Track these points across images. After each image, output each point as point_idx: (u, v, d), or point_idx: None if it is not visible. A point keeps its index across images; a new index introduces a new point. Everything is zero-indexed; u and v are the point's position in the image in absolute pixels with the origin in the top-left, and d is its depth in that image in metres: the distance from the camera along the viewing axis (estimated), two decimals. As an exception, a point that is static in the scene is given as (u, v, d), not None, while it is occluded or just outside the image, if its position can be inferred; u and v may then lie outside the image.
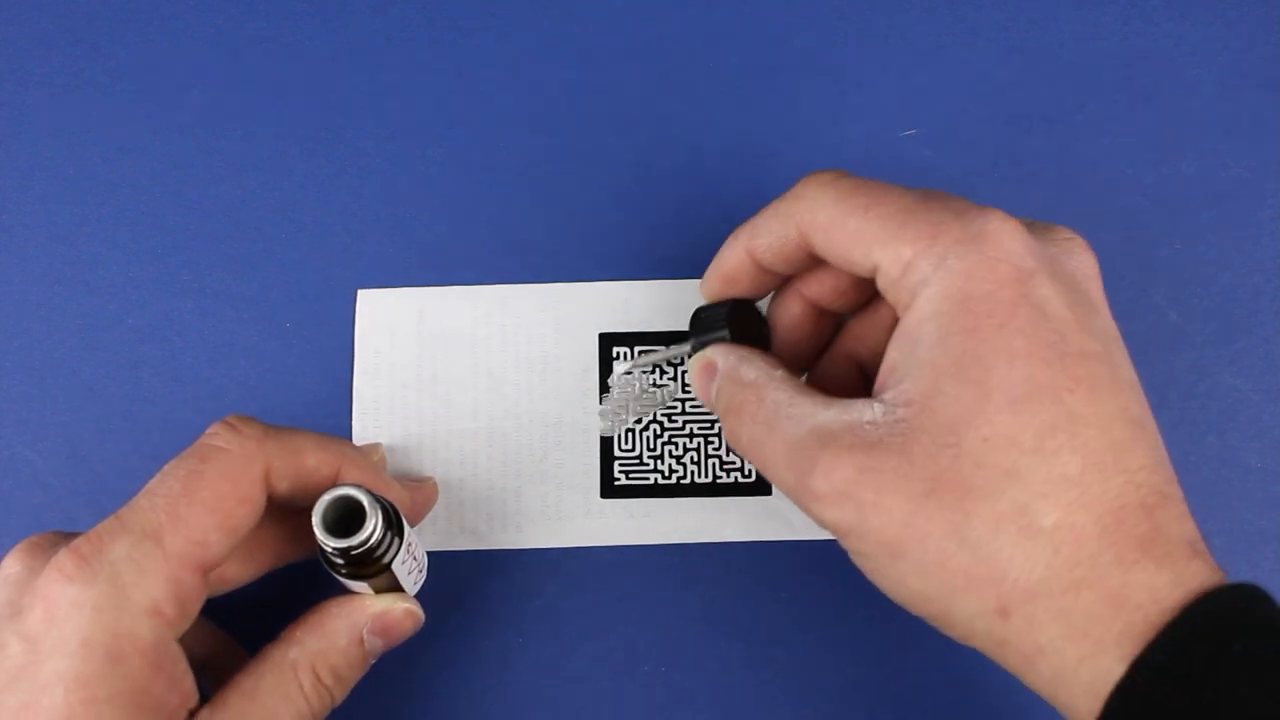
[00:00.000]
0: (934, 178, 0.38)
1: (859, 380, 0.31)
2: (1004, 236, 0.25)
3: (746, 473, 0.35)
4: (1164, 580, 0.22)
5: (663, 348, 0.36)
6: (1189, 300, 0.37)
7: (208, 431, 0.29)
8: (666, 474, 0.35)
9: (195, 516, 0.27)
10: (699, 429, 0.36)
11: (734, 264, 0.30)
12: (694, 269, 0.37)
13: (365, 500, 0.28)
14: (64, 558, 0.26)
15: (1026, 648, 0.23)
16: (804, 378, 0.32)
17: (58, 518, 0.35)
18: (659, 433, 0.36)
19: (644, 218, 0.38)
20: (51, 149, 0.38)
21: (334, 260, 0.37)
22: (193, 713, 0.27)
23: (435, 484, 0.35)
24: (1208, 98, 0.38)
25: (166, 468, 0.28)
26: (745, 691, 0.34)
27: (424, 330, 0.36)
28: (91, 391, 0.36)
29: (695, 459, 0.36)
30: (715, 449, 0.36)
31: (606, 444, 0.36)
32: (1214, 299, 0.37)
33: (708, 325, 0.31)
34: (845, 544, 0.26)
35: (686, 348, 0.32)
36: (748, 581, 0.35)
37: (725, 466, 0.35)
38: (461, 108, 0.39)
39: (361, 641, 0.30)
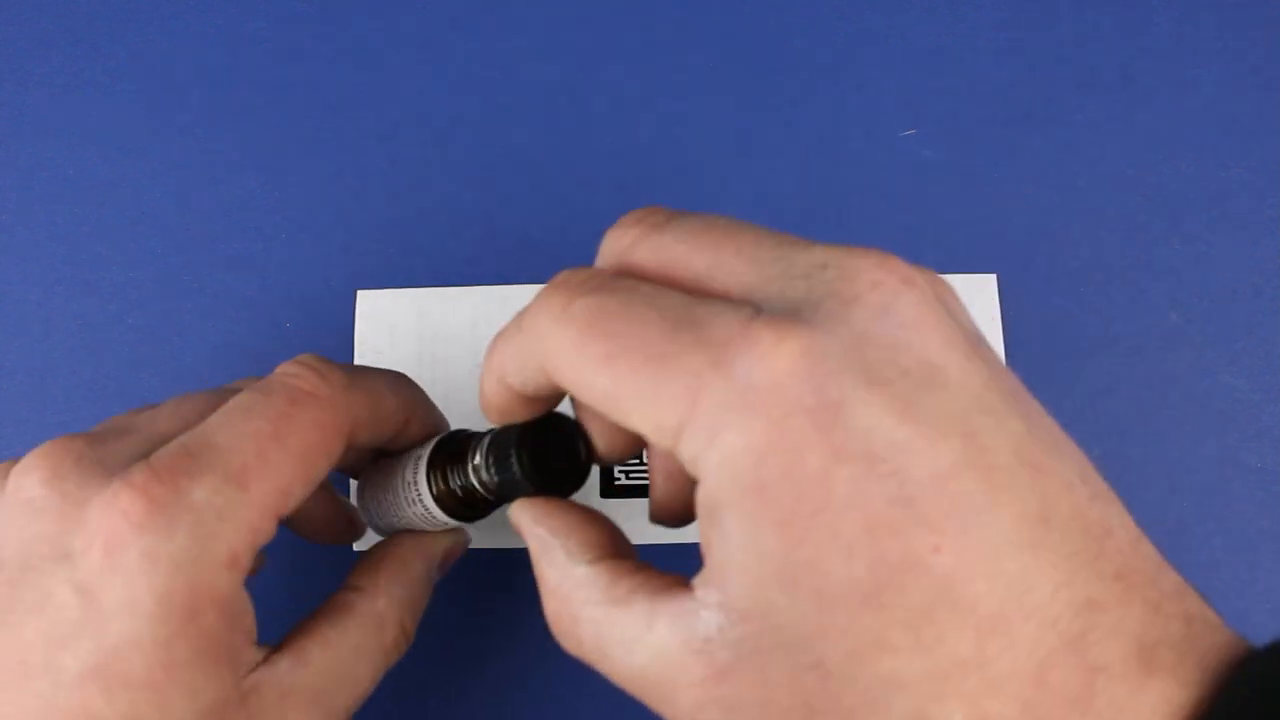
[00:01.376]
0: (934, 178, 0.38)
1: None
2: (780, 375, 0.18)
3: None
4: None
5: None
6: (1189, 300, 0.37)
7: (286, 371, 0.25)
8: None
9: (285, 464, 0.24)
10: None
11: (501, 400, 0.24)
12: (694, 269, 0.37)
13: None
14: (127, 496, 0.22)
15: None
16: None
17: (58, 518, 0.35)
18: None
19: (644, 218, 0.38)
20: (51, 149, 0.38)
21: (334, 260, 0.37)
22: (267, 659, 0.25)
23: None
24: (1208, 98, 0.38)
25: (242, 403, 0.24)
26: (745, 691, 0.34)
27: (424, 331, 0.36)
28: (91, 391, 0.36)
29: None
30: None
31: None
32: (1214, 299, 0.37)
33: (499, 458, 0.25)
34: None
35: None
36: (747, 581, 0.35)
37: (725, 466, 0.35)
38: (461, 107, 0.39)
39: (432, 580, 0.28)
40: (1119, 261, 0.37)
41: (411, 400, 0.28)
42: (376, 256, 0.37)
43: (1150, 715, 0.18)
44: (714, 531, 0.19)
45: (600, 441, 0.24)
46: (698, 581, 0.20)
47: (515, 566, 0.35)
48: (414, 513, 0.29)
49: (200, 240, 0.37)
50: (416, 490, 0.28)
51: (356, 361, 0.36)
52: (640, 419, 0.20)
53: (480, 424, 0.35)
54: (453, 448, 0.27)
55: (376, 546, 0.29)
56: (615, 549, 0.23)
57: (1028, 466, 0.19)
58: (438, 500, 0.28)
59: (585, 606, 0.22)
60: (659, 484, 0.24)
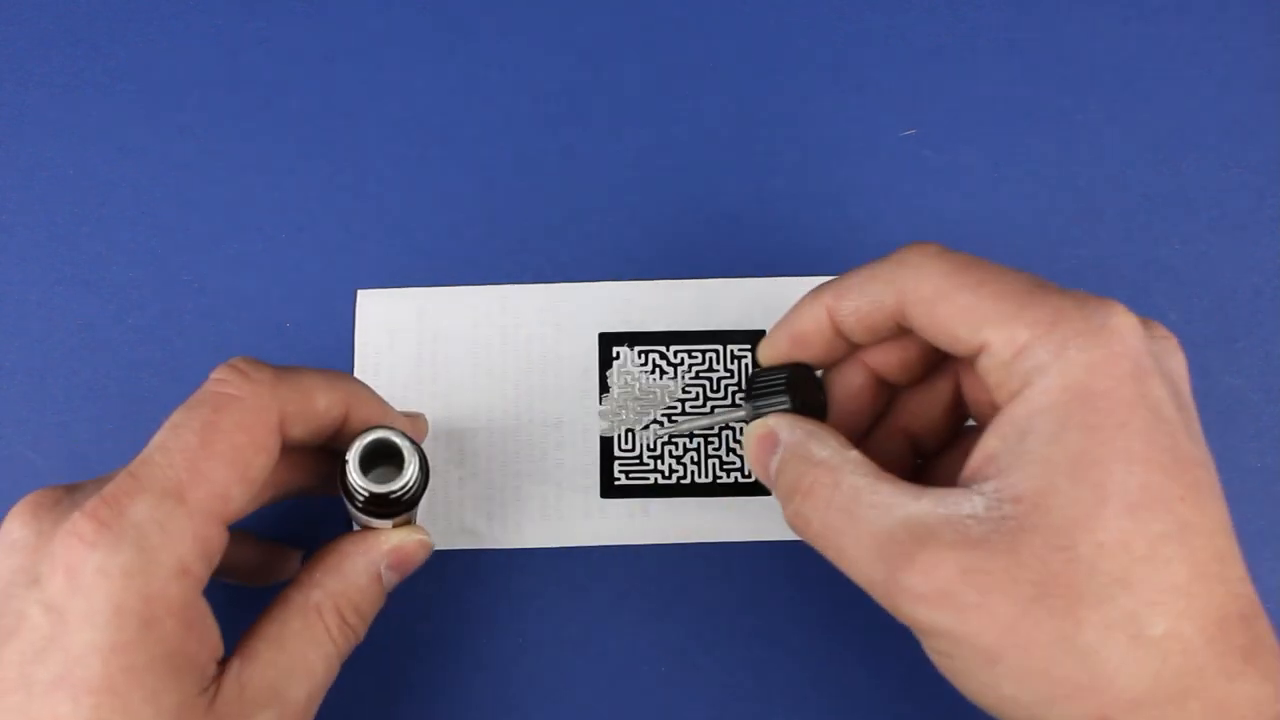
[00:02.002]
0: (934, 178, 0.38)
1: (910, 457, 0.30)
2: (1126, 331, 0.24)
3: (746, 473, 0.35)
4: (1266, 692, 0.22)
5: (712, 413, 0.35)
6: (1189, 300, 0.37)
7: (214, 377, 0.27)
8: (666, 474, 0.35)
9: (216, 470, 0.26)
10: (700, 429, 0.36)
11: (811, 325, 0.29)
12: (693, 269, 0.37)
13: (404, 446, 0.28)
14: (81, 522, 0.25)
15: None
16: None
17: (58, 518, 0.35)
18: (660, 432, 0.36)
19: (644, 218, 0.38)
20: (51, 149, 0.38)
21: (334, 260, 0.37)
22: (222, 665, 0.27)
23: (426, 419, 0.34)
24: (1208, 98, 0.39)
25: (175, 418, 0.27)
26: (745, 691, 0.34)
27: (424, 330, 0.36)
28: (91, 391, 0.36)
29: (695, 459, 0.36)
30: (715, 449, 0.36)
31: (606, 444, 0.36)
32: (1214, 299, 0.37)
33: (766, 391, 0.29)
34: (930, 643, 0.25)
35: (740, 412, 0.31)
36: (748, 581, 0.35)
37: (725, 466, 0.35)
38: (461, 108, 0.39)
39: (379, 577, 0.30)
40: (1119, 261, 0.37)
41: (349, 394, 0.29)
42: (376, 256, 0.37)
43: None
44: (1013, 430, 0.24)
45: (842, 389, 0.30)
46: (963, 481, 0.25)
47: (518, 566, 0.35)
48: (352, 511, 0.29)
49: (200, 240, 0.37)
50: (341, 488, 0.29)
51: (357, 362, 0.36)
52: (995, 329, 0.25)
53: (484, 421, 0.35)
54: (370, 447, 0.28)
55: (323, 545, 0.30)
56: None
57: (1225, 503, 0.24)
58: (348, 498, 0.29)
59: (851, 475, 0.26)
60: (921, 410, 0.30)
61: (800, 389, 0.29)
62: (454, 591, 0.34)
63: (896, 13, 0.39)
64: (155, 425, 0.36)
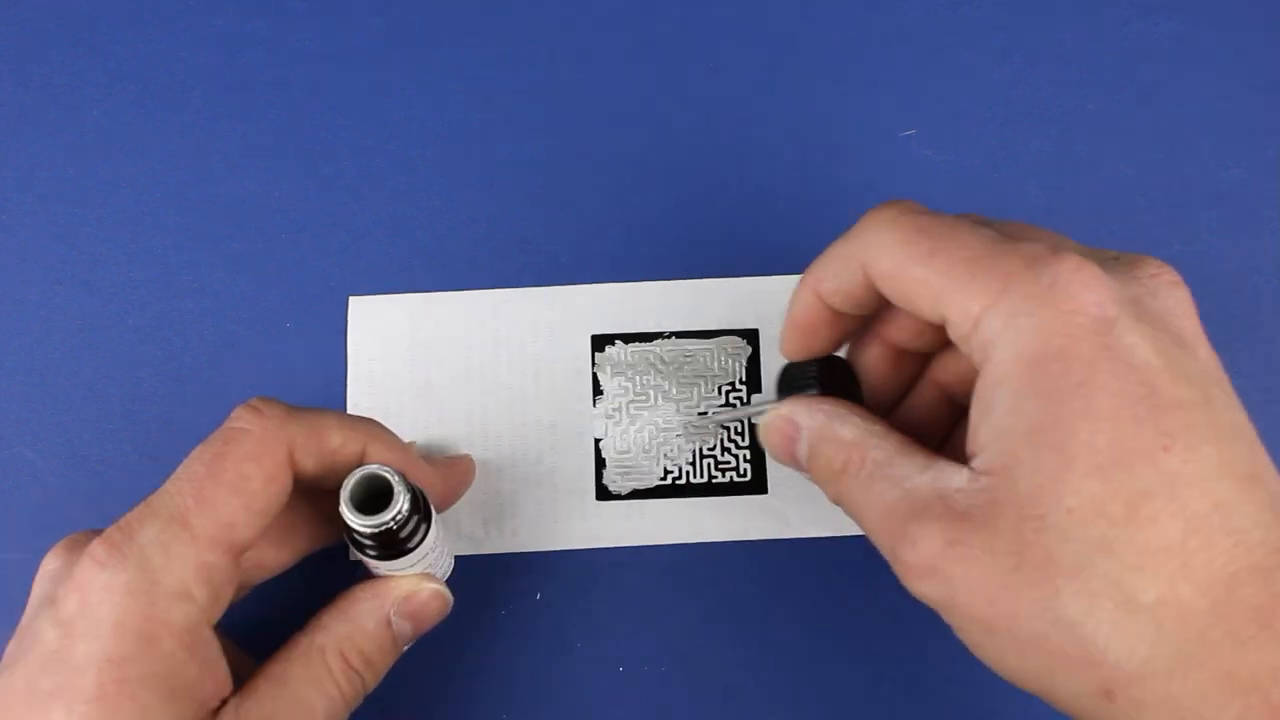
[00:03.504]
0: (934, 178, 0.38)
1: (951, 412, 0.30)
2: (1077, 285, 0.22)
3: (741, 472, 0.35)
4: None
5: (746, 404, 0.35)
6: (1189, 300, 0.37)
7: (231, 415, 0.28)
8: (661, 475, 0.35)
9: (221, 499, 0.27)
10: (694, 430, 0.36)
11: (806, 312, 0.28)
12: (686, 270, 0.37)
13: (393, 479, 0.28)
14: (96, 546, 0.26)
15: None
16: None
17: (58, 518, 0.35)
18: (654, 433, 0.36)
19: (637, 219, 0.38)
20: (51, 149, 0.38)
21: (332, 263, 0.37)
22: (224, 701, 0.27)
23: (471, 460, 0.35)
24: (1208, 98, 0.38)
25: (193, 453, 0.28)
26: (744, 691, 0.34)
27: (416, 336, 0.36)
28: (91, 391, 0.36)
29: (690, 459, 0.36)
30: (710, 449, 0.36)
31: (601, 446, 0.36)
32: (1214, 299, 0.37)
33: (795, 382, 0.29)
34: (944, 618, 0.24)
35: (774, 404, 0.31)
36: (745, 581, 0.35)
37: (720, 466, 0.35)
38: (456, 112, 0.39)
39: (389, 624, 0.30)
40: (1119, 262, 0.37)
41: (368, 435, 0.30)
42: (372, 260, 0.37)
43: None
44: (982, 404, 0.23)
45: (865, 364, 0.29)
46: (968, 453, 0.24)
47: (515, 570, 0.35)
48: (361, 558, 0.30)
49: (200, 240, 0.37)
50: (344, 533, 0.29)
51: (350, 368, 0.36)
52: (949, 304, 0.24)
53: (478, 426, 0.35)
54: (364, 484, 0.29)
55: (342, 592, 0.30)
56: None
57: (1245, 440, 0.23)
58: (350, 541, 0.29)
59: (874, 450, 0.26)
60: (941, 380, 0.29)
61: (830, 377, 0.29)
62: (453, 595, 0.34)
63: (896, 13, 0.39)
64: (155, 425, 0.36)
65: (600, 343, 0.36)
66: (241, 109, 0.39)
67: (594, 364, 0.36)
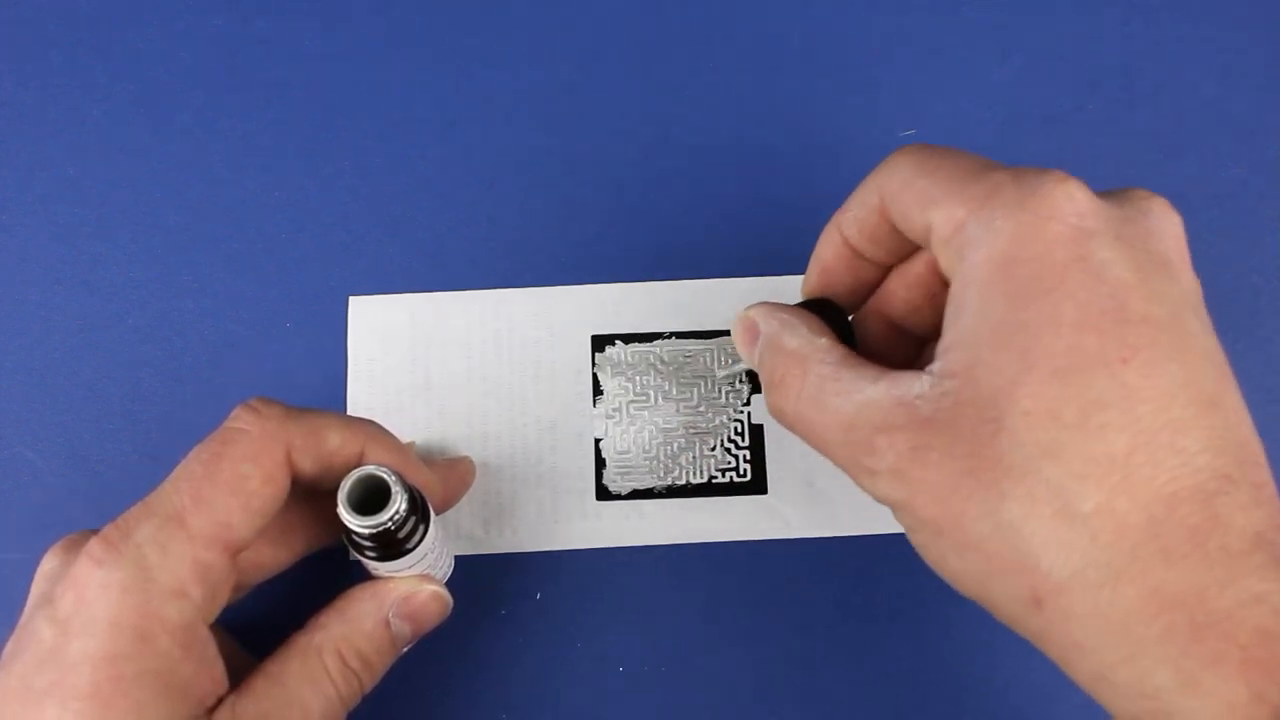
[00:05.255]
0: (934, 178, 0.38)
1: (903, 342, 0.30)
2: (1059, 195, 0.23)
3: (741, 472, 0.35)
4: (1213, 577, 0.20)
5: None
6: (1189, 300, 0.37)
7: (230, 415, 0.29)
8: (661, 475, 0.35)
9: (218, 498, 0.27)
10: (694, 430, 0.36)
11: (830, 251, 0.29)
12: (687, 270, 0.37)
13: (390, 479, 0.28)
14: (93, 544, 0.26)
15: (1064, 642, 0.22)
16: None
17: (58, 518, 0.35)
18: (654, 434, 0.36)
19: (637, 219, 0.38)
20: (51, 149, 0.38)
21: (332, 263, 0.37)
22: (220, 699, 0.27)
23: (471, 463, 0.35)
24: (1208, 98, 0.38)
25: (191, 453, 0.28)
26: (744, 691, 0.34)
27: (416, 336, 0.36)
28: (91, 391, 0.36)
29: (691, 459, 0.36)
30: (710, 449, 0.36)
31: (601, 446, 0.36)
32: (1214, 299, 0.37)
33: None
34: (897, 518, 0.25)
35: None
36: (745, 581, 0.35)
37: (720, 466, 0.35)
38: (455, 112, 0.39)
39: (387, 625, 0.30)
40: (1119, 262, 0.37)
41: (367, 437, 0.30)
42: (372, 260, 0.37)
43: (1258, 572, 0.20)
44: (953, 308, 0.24)
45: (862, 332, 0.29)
46: (927, 363, 0.24)
47: (515, 570, 0.35)
48: (360, 559, 0.30)
49: (200, 240, 0.37)
50: (343, 535, 0.29)
51: (351, 368, 0.36)
52: (937, 209, 0.24)
53: (478, 426, 0.35)
54: (361, 484, 0.29)
55: (341, 593, 0.30)
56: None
57: (1213, 365, 0.22)
58: (349, 543, 0.29)
59: (820, 365, 0.26)
60: (898, 293, 0.29)
61: (822, 311, 0.29)
62: (453, 596, 0.34)
63: (896, 13, 0.39)
64: (155, 425, 0.36)
65: (600, 343, 0.36)
66: (241, 109, 0.39)
67: (594, 364, 0.36)
